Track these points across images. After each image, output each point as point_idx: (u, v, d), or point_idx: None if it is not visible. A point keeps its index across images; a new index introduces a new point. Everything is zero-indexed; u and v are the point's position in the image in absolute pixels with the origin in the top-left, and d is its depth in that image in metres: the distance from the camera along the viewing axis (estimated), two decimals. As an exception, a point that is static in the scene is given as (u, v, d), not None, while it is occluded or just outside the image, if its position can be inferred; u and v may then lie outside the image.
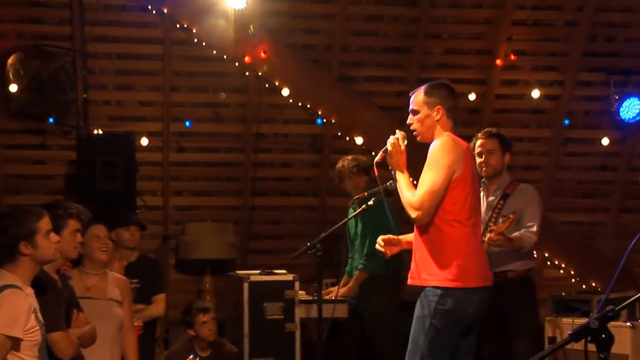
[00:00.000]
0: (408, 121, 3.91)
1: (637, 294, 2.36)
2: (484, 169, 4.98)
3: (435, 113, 3.85)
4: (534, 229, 4.90)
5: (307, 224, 8.32)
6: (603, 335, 2.19)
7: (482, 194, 4.99)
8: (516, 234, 4.83)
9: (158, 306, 5.70)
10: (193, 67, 7.85)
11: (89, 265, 4.51)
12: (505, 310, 4.89)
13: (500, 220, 4.91)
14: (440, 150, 3.76)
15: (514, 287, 4.92)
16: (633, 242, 2.32)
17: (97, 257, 4.47)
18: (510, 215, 4.79)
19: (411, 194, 3.73)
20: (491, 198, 5.00)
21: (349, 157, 6.17)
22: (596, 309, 2.62)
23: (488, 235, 4.74)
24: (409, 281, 3.88)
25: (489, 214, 4.94)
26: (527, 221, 4.90)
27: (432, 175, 3.71)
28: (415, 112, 3.88)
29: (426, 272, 3.77)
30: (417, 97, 3.89)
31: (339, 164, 6.16)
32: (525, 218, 4.91)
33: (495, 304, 4.77)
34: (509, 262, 4.92)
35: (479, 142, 5.03)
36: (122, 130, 7.66)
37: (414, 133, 3.90)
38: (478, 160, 4.97)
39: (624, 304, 2.25)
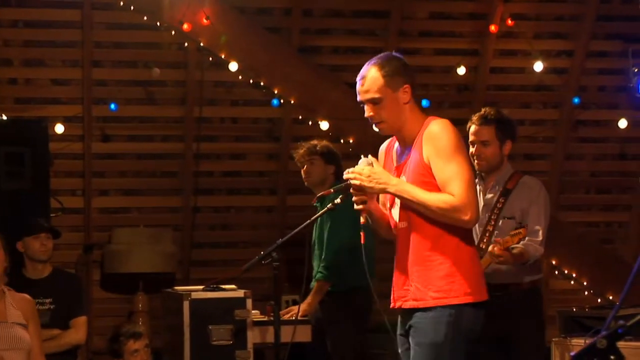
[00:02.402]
0: (367, 114, 3.80)
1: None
2: (476, 162, 4.99)
3: (402, 94, 3.80)
4: (539, 237, 4.90)
5: (262, 228, 8.33)
6: (612, 357, 2.23)
7: (478, 189, 5.01)
8: (518, 245, 4.84)
9: (78, 331, 5.67)
10: (119, 37, 7.82)
11: None
12: (506, 332, 4.92)
13: (501, 223, 4.91)
14: (450, 132, 3.74)
15: (517, 303, 4.95)
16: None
17: None
18: (521, 230, 4.80)
19: (443, 197, 3.67)
20: (489, 195, 4.99)
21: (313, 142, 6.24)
22: (604, 326, 2.63)
23: (491, 247, 4.76)
24: (409, 304, 3.80)
25: (487, 215, 4.94)
26: (530, 226, 4.91)
27: (458, 163, 3.69)
28: (376, 102, 3.77)
29: (435, 290, 3.77)
30: (374, 81, 3.77)
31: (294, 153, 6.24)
32: (528, 222, 4.92)
33: (494, 324, 4.83)
34: (509, 274, 4.95)
35: (472, 128, 5.01)
36: (31, 115, 7.61)
37: (378, 126, 3.81)
38: (470, 149, 4.99)
39: (636, 318, 2.30)
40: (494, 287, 4.85)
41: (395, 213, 3.87)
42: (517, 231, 4.80)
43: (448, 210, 3.68)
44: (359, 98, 3.82)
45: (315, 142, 6.25)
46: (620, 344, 2.54)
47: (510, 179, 5.04)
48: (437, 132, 3.75)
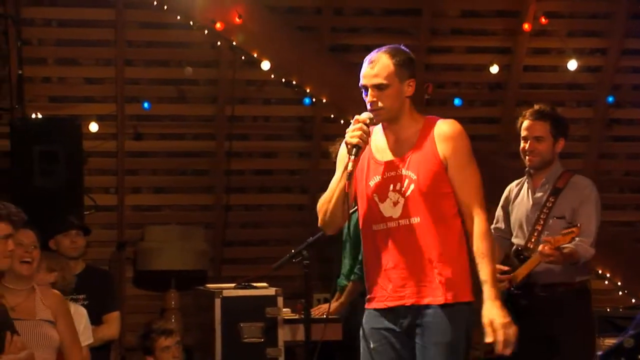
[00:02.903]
0: (369, 98, 3.77)
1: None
2: (528, 157, 4.97)
3: (407, 87, 3.81)
4: (590, 238, 4.85)
5: (293, 226, 8.35)
6: (640, 356, 2.22)
7: (526, 187, 5.02)
8: (569, 245, 4.79)
9: (111, 327, 5.73)
10: (152, 36, 7.88)
11: (10, 280, 4.51)
12: (555, 331, 4.87)
13: (551, 222, 4.87)
14: (465, 134, 3.80)
15: (567, 302, 4.90)
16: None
17: (16, 268, 4.47)
18: (574, 229, 4.76)
19: (485, 241, 3.74)
20: (539, 194, 4.95)
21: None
22: (631, 325, 2.62)
23: (541, 246, 4.74)
24: (430, 299, 3.76)
25: (536, 214, 4.92)
26: (581, 226, 4.87)
27: (474, 167, 3.78)
28: (382, 87, 3.76)
29: (453, 288, 3.77)
30: (384, 67, 3.77)
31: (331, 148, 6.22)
32: (578, 222, 4.87)
33: (543, 322, 4.79)
34: (558, 273, 4.91)
35: (525, 123, 4.97)
36: (65, 113, 7.69)
37: (376, 112, 3.78)
38: (522, 144, 4.98)
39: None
40: (543, 287, 4.84)
41: (388, 208, 3.79)
42: (569, 230, 4.74)
43: (491, 235, 3.79)
44: (363, 82, 3.79)
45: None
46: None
47: (560, 177, 4.98)
48: (453, 132, 3.79)
